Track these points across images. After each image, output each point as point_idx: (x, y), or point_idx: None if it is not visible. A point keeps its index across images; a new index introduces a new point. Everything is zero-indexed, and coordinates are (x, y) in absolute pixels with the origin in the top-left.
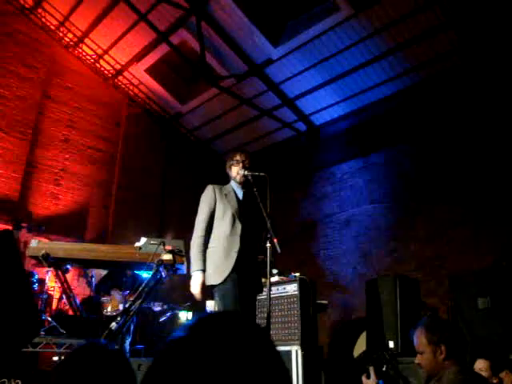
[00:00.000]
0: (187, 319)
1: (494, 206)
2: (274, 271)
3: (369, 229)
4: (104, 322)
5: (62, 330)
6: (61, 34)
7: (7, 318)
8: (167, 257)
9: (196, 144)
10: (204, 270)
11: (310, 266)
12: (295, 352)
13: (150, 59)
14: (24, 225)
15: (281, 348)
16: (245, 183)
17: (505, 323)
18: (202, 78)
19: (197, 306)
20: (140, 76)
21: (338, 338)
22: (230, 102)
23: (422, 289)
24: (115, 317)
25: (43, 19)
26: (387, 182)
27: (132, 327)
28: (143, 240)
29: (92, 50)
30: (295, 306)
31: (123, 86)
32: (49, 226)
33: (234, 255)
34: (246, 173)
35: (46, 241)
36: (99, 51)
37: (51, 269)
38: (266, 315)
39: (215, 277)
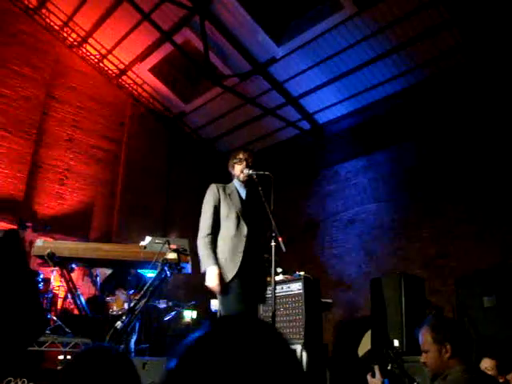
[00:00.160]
0: (192, 318)
1: (499, 203)
2: (279, 270)
3: (373, 227)
4: (109, 321)
5: (67, 329)
6: (65, 35)
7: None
8: (172, 256)
9: (200, 143)
10: (217, 264)
11: (315, 265)
12: (300, 350)
13: (154, 59)
14: (29, 224)
15: None
16: (248, 182)
17: (511, 322)
18: (205, 77)
19: (201, 304)
20: (144, 75)
21: (342, 336)
22: (233, 101)
23: (427, 287)
24: (120, 316)
25: (47, 19)
26: (391, 181)
27: (137, 326)
28: (148, 239)
29: (96, 49)
30: (300, 304)
31: (127, 86)
32: (53, 226)
33: (240, 256)
34: (250, 172)
35: (51, 240)
36: (103, 51)
37: (56, 268)
38: (270, 314)
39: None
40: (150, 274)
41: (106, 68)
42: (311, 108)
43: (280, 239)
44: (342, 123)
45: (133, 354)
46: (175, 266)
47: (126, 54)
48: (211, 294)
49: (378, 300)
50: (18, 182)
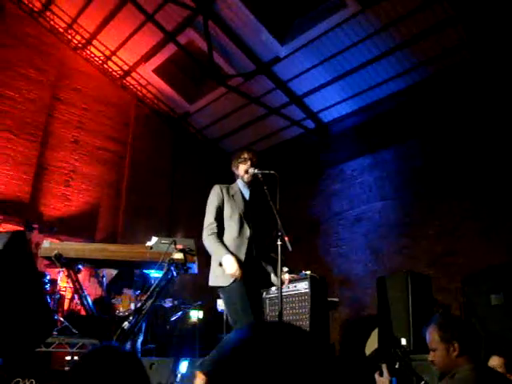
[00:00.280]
0: (198, 318)
1: (505, 200)
2: (285, 269)
3: (379, 226)
4: (116, 322)
5: (74, 330)
6: (69, 37)
7: (21, 318)
8: (178, 256)
9: (204, 143)
10: (230, 252)
11: (321, 264)
12: None
13: (158, 59)
14: (35, 226)
15: None
16: (253, 182)
17: None
18: (209, 78)
19: (207, 304)
20: (148, 76)
21: (349, 335)
22: (238, 101)
23: (434, 285)
24: (127, 317)
25: (51, 22)
26: (397, 179)
27: (143, 327)
28: (154, 239)
29: (100, 51)
30: (306, 303)
31: (131, 87)
32: (59, 227)
33: (242, 257)
34: (255, 171)
35: (57, 242)
36: (107, 52)
37: (63, 269)
38: (277, 313)
39: (223, 279)
40: (155, 274)
41: (110, 69)
42: (315, 107)
43: (286, 238)
44: (346, 122)
45: (139, 355)
46: (182, 266)
47: (130, 55)
48: (217, 294)
49: (384, 298)
50: (23, 184)
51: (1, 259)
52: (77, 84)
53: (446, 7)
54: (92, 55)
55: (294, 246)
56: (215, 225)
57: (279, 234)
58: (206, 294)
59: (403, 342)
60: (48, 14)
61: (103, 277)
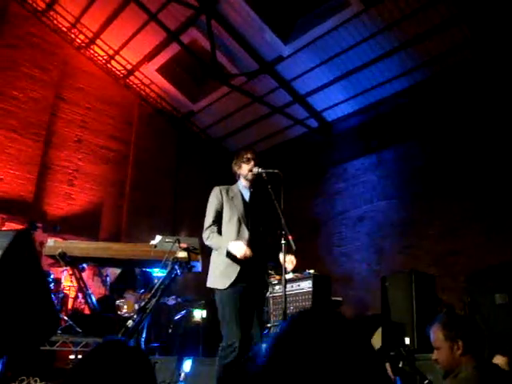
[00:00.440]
0: (202, 317)
1: (507, 200)
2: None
3: (382, 225)
4: (120, 321)
5: (78, 329)
6: (72, 36)
7: (26, 316)
8: (182, 254)
9: (208, 142)
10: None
11: (324, 263)
12: None
13: (161, 59)
14: (39, 225)
15: None
16: (256, 181)
17: None
18: (213, 77)
19: (211, 303)
20: (151, 76)
21: None
22: (241, 100)
23: (438, 285)
24: (132, 316)
25: (55, 21)
26: (400, 178)
27: (145, 325)
28: (158, 238)
29: (103, 50)
30: (310, 302)
31: (135, 86)
32: (63, 226)
33: (240, 261)
34: (259, 170)
35: (61, 241)
36: (110, 52)
37: (68, 268)
38: (281, 312)
39: (220, 282)
40: (157, 273)
41: (113, 69)
42: (319, 106)
43: (290, 237)
44: (349, 121)
45: None
46: (185, 264)
47: (133, 55)
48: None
49: (388, 298)
50: (27, 184)
51: (7, 257)
52: (80, 83)
53: (450, 7)
54: (95, 54)
55: (297, 245)
56: (214, 227)
57: (283, 233)
58: (209, 293)
59: (407, 341)
60: (52, 13)
61: (107, 276)
